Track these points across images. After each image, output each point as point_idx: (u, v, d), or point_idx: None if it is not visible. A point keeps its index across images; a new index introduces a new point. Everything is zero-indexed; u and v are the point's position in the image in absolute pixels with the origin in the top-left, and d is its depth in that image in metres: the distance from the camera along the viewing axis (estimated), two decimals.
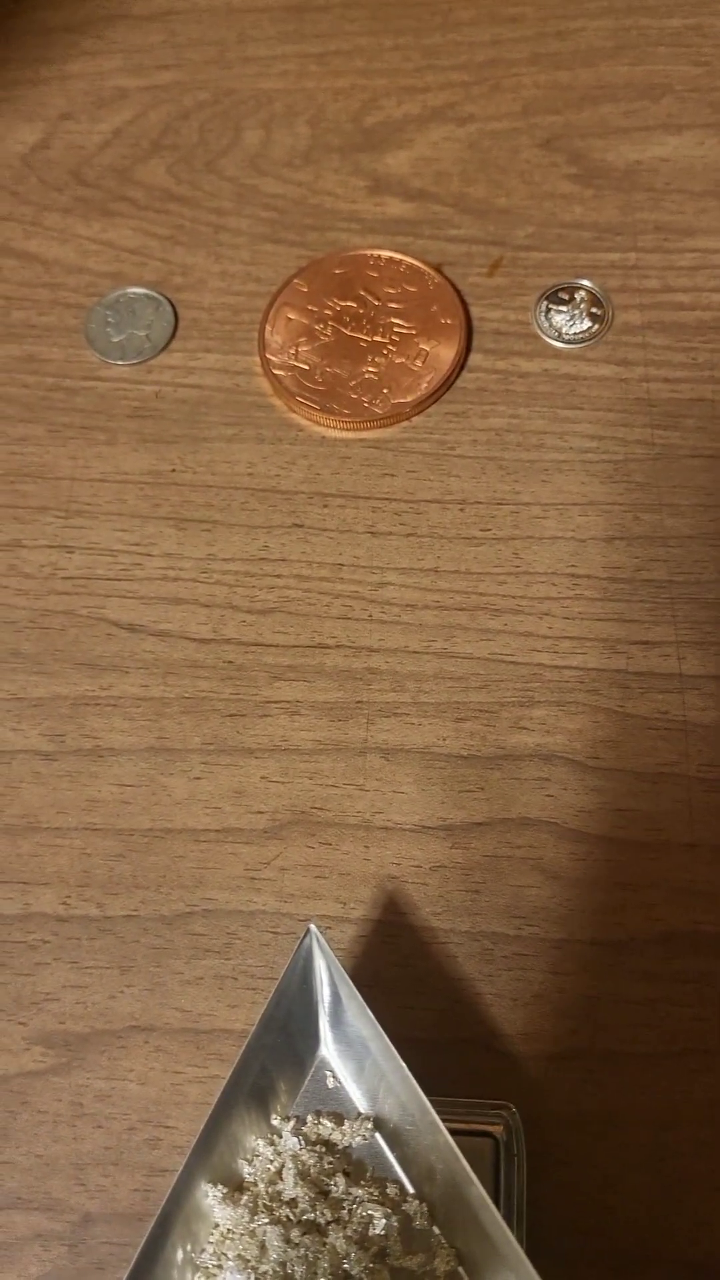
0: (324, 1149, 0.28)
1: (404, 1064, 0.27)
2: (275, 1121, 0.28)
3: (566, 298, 0.39)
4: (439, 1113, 0.27)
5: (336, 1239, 0.26)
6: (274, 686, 0.35)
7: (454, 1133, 0.27)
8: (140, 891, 0.33)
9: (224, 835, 0.33)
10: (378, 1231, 0.26)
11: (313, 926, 0.28)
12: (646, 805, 0.33)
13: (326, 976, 0.28)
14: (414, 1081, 0.26)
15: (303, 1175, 0.27)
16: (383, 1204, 0.27)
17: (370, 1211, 0.27)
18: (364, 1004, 0.27)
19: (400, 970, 0.31)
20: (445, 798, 0.33)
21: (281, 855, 0.33)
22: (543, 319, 0.39)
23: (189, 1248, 0.27)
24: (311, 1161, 0.27)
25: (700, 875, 0.32)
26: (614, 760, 0.33)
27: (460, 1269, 0.26)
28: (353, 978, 0.31)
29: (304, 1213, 0.27)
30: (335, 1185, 0.27)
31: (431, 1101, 0.27)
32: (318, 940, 0.28)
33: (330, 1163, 0.28)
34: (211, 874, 0.33)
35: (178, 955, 0.32)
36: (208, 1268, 0.26)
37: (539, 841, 0.32)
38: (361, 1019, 0.28)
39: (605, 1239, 0.28)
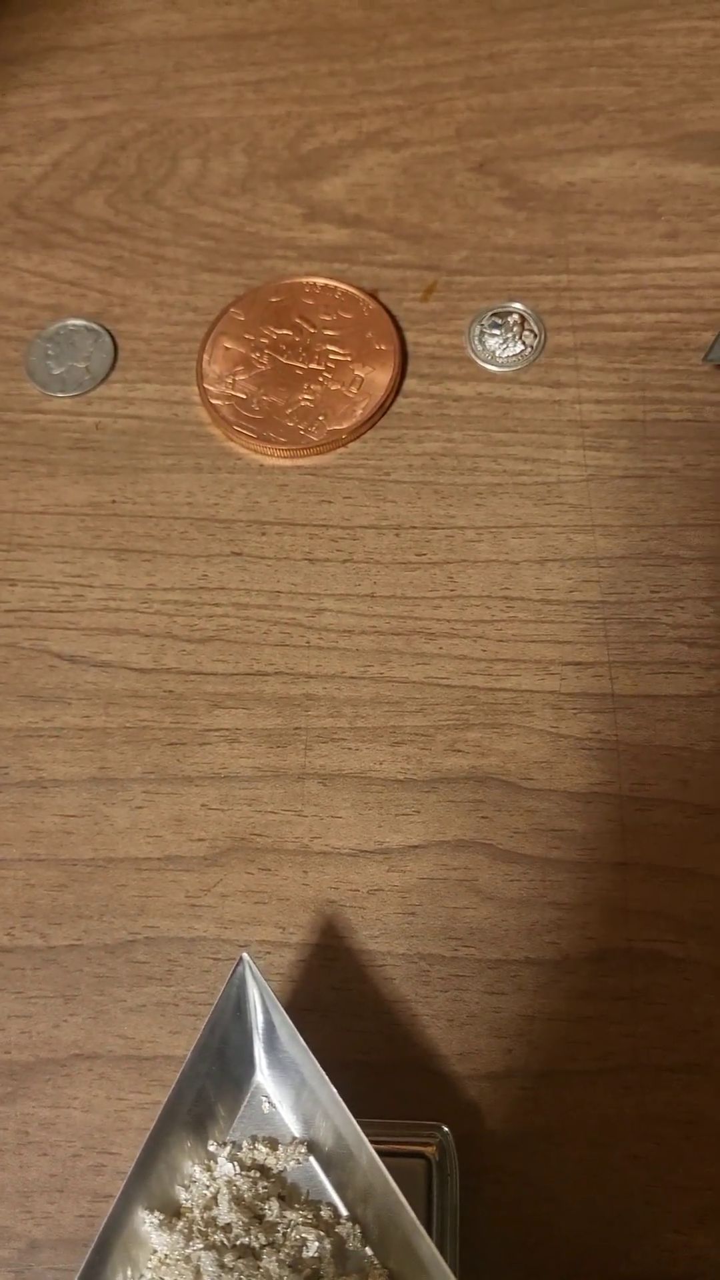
0: (259, 1174, 0.28)
1: (334, 1088, 0.27)
2: (212, 1147, 0.29)
3: (499, 321, 0.39)
4: (372, 1135, 0.28)
5: (270, 1262, 0.27)
6: (213, 714, 0.35)
7: (388, 1154, 0.27)
8: (83, 921, 0.33)
9: (165, 863, 0.34)
10: (311, 1254, 0.27)
11: (245, 955, 0.28)
12: (580, 825, 0.33)
13: (260, 1004, 0.29)
14: (344, 1105, 0.27)
15: (237, 1200, 0.28)
16: (316, 1227, 0.27)
17: (304, 1234, 0.27)
18: (295, 1030, 0.28)
19: (338, 994, 0.32)
20: (382, 821, 0.34)
21: (221, 882, 0.33)
22: (476, 343, 0.39)
23: (129, 1273, 0.27)
24: (245, 1186, 0.28)
25: (633, 894, 0.32)
26: (547, 781, 0.34)
27: None
28: (292, 1002, 0.32)
29: (238, 1237, 0.27)
30: (269, 1209, 0.28)
31: (365, 1124, 0.27)
32: (250, 968, 0.28)
33: (265, 1187, 0.28)
34: (153, 902, 0.33)
35: (120, 983, 0.32)
36: None
37: (474, 863, 0.33)
38: (294, 1045, 0.28)
39: (541, 1255, 0.29)
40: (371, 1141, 0.27)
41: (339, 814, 0.34)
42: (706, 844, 0.33)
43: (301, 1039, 0.28)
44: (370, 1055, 0.31)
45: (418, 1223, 0.25)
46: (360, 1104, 0.27)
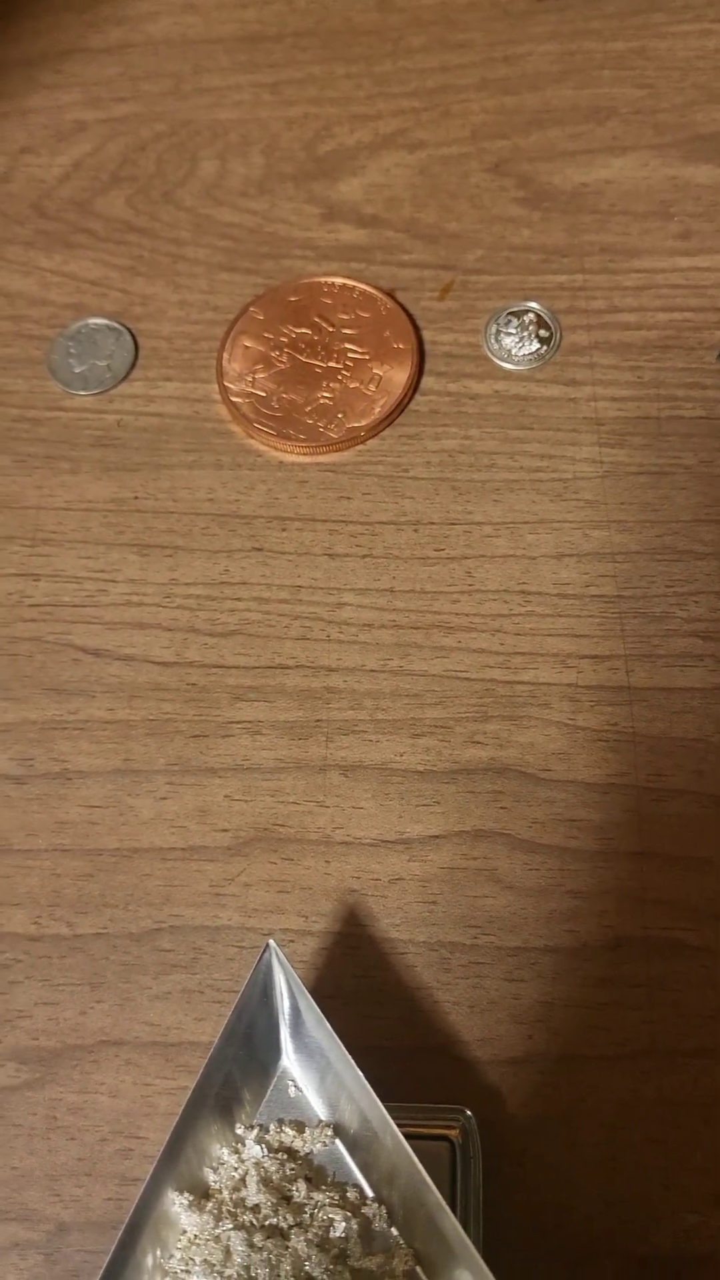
0: (286, 1156, 0.29)
1: (360, 1073, 0.28)
2: (239, 1130, 0.29)
3: (515, 320, 0.40)
4: (397, 1118, 0.29)
5: (298, 1242, 0.27)
6: (236, 707, 0.36)
7: (412, 1137, 0.28)
8: (109, 910, 0.34)
9: (189, 853, 0.34)
10: (338, 1234, 0.28)
11: (271, 942, 0.29)
12: (597, 815, 0.34)
13: (286, 990, 0.29)
14: (370, 1089, 0.27)
15: (265, 1182, 0.28)
16: (343, 1207, 0.28)
17: (331, 1215, 0.28)
18: (321, 1016, 0.28)
19: (361, 981, 0.32)
20: (402, 812, 0.34)
21: (245, 872, 0.34)
22: (493, 341, 0.40)
23: (158, 1254, 0.28)
24: (274, 1168, 0.28)
25: (649, 882, 0.33)
26: (565, 772, 0.34)
27: (418, 1268, 0.27)
28: (315, 989, 0.32)
29: (266, 1218, 0.28)
30: (297, 1191, 0.28)
31: (389, 1108, 0.28)
32: (277, 955, 0.29)
33: (292, 1169, 0.29)
34: (178, 891, 0.34)
35: (146, 971, 0.33)
36: (176, 1273, 0.27)
37: (493, 853, 0.33)
38: (320, 1030, 0.29)
39: (560, 1235, 0.30)
40: (396, 1124, 0.27)
41: (360, 805, 0.34)
42: (719, 833, 0.33)
43: (328, 1023, 0.28)
44: (392, 1041, 0.32)
45: (443, 1202, 0.26)
46: (383, 1088, 0.28)
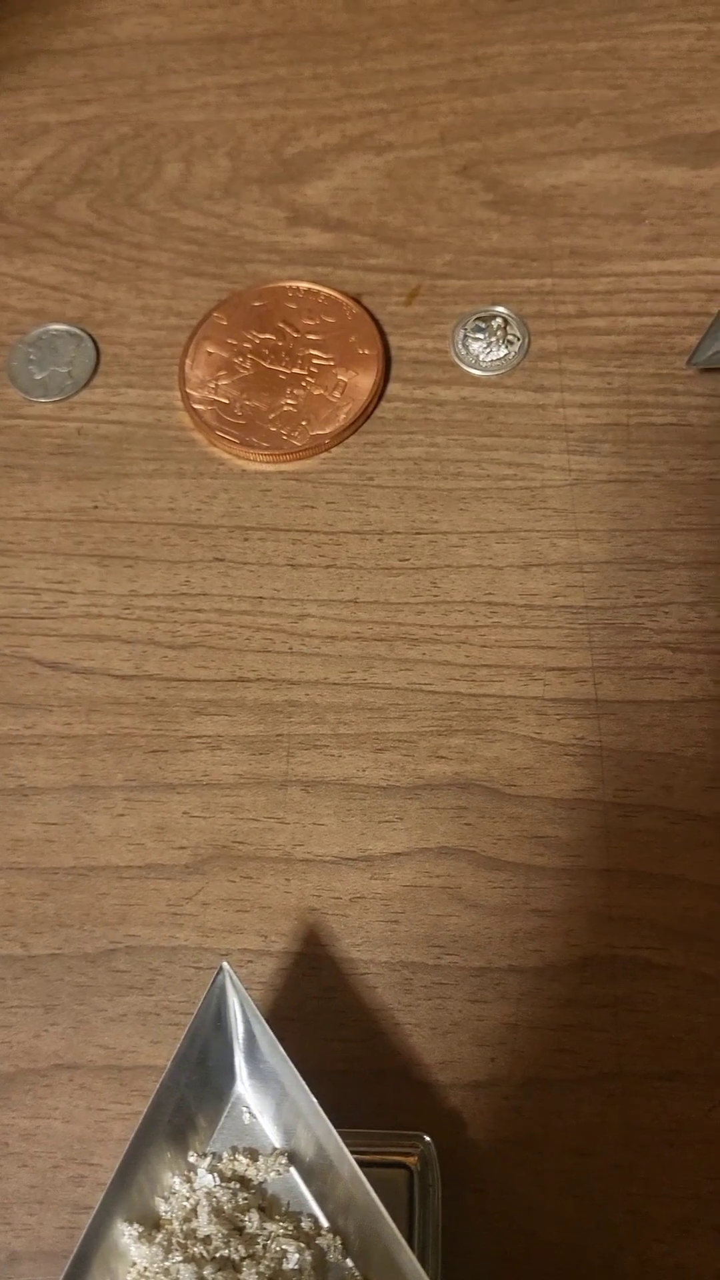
0: (239, 1185, 0.28)
1: (315, 1099, 0.27)
2: (192, 1158, 0.29)
3: (483, 325, 0.39)
4: (354, 1145, 0.28)
5: (250, 1275, 0.26)
6: (195, 721, 0.35)
7: (369, 1164, 0.27)
8: (64, 930, 0.33)
9: (146, 871, 0.33)
10: (291, 1266, 0.27)
11: (225, 964, 0.28)
12: (563, 831, 0.33)
13: (240, 1013, 0.29)
14: (324, 1116, 0.27)
15: (217, 1212, 0.27)
16: (296, 1238, 0.27)
17: (284, 1246, 0.27)
18: (275, 1040, 0.28)
19: (321, 1002, 0.32)
20: (364, 829, 0.33)
21: (203, 890, 0.33)
22: (460, 347, 0.39)
23: None
24: (225, 1198, 0.28)
25: (616, 900, 0.32)
26: (531, 787, 0.33)
27: None
28: (273, 1011, 0.32)
29: (218, 1249, 0.27)
30: (249, 1221, 0.27)
31: (346, 1134, 0.27)
32: (230, 978, 0.28)
33: (245, 1198, 0.28)
34: (134, 910, 0.33)
35: (101, 993, 0.32)
36: None
37: (457, 870, 0.33)
38: (274, 1055, 0.28)
39: (524, 1266, 0.29)
40: (352, 1152, 0.27)
41: (322, 821, 0.34)
42: (690, 850, 0.32)
43: (281, 1049, 0.27)
44: (352, 1064, 0.31)
45: (399, 1235, 0.25)
46: (342, 1113, 0.27)
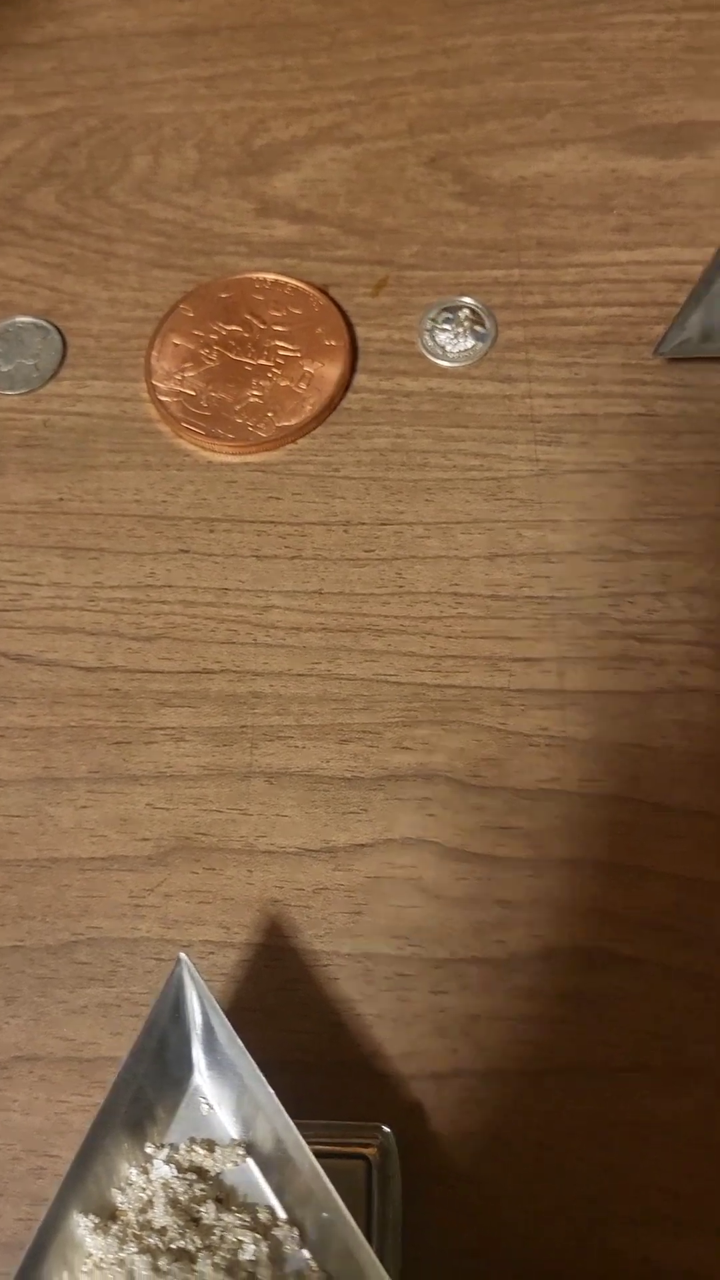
0: (195, 1176, 0.28)
1: (272, 1091, 0.27)
2: (149, 1149, 0.28)
3: (450, 316, 0.39)
4: (313, 1136, 0.28)
5: (205, 1266, 0.26)
6: (159, 713, 0.35)
7: (327, 1156, 0.27)
8: (26, 922, 0.33)
9: (109, 863, 0.33)
10: (247, 1257, 0.27)
11: (183, 955, 0.28)
12: (527, 822, 0.33)
13: (198, 1005, 0.28)
14: (282, 1109, 0.27)
15: (173, 1203, 0.27)
16: (253, 1229, 0.27)
17: (240, 1237, 0.27)
18: (233, 1032, 0.27)
19: (283, 994, 0.31)
20: (328, 820, 0.33)
21: (165, 882, 0.33)
22: (427, 338, 0.39)
23: (65, 1277, 0.27)
24: (181, 1189, 0.27)
25: (581, 891, 0.32)
26: (495, 778, 0.33)
27: None
28: (235, 1002, 0.32)
29: (173, 1240, 0.27)
30: (205, 1212, 0.27)
31: (306, 1125, 0.27)
32: (188, 968, 0.28)
33: (202, 1189, 0.28)
34: (97, 902, 0.33)
35: (62, 985, 0.32)
36: None
37: (421, 861, 0.33)
38: (231, 1047, 0.28)
39: (487, 1258, 0.29)
40: (311, 1143, 0.26)
41: (285, 813, 0.33)
42: (655, 841, 0.32)
43: (239, 1041, 0.27)
44: (314, 1056, 0.31)
45: (356, 1228, 0.25)
46: (302, 1105, 0.27)
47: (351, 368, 0.39)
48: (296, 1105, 0.27)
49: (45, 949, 0.32)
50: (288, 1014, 0.31)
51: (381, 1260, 0.25)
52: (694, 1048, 0.30)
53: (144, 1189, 0.28)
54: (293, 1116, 0.27)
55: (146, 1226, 0.27)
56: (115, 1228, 0.27)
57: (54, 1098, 0.31)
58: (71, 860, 0.33)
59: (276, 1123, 0.27)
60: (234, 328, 0.40)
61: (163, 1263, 0.26)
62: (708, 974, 0.31)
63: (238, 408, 0.38)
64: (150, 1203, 0.27)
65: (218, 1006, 0.28)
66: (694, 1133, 0.29)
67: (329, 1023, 0.31)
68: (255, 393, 0.39)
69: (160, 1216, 0.27)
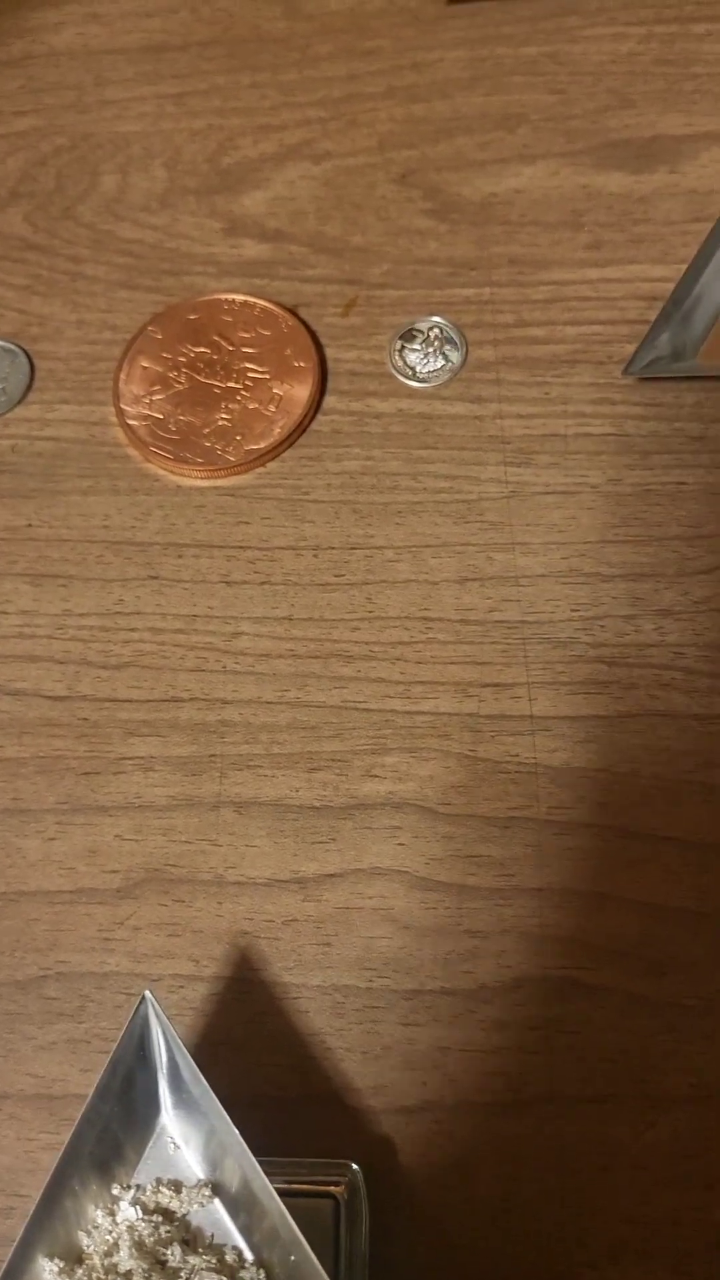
0: (161, 1218, 0.28)
1: (237, 1131, 0.26)
2: (115, 1191, 0.28)
3: (420, 336, 0.39)
4: (280, 1174, 0.28)
5: None
6: (128, 743, 0.35)
7: (295, 1194, 0.27)
8: None
9: (78, 896, 0.33)
10: None
11: (147, 993, 0.28)
12: (497, 850, 0.33)
13: (163, 1043, 0.28)
14: (248, 1150, 0.26)
15: (138, 1246, 0.27)
16: (220, 1272, 0.27)
17: None
18: (198, 1071, 0.27)
19: (252, 1027, 0.31)
20: (297, 850, 0.33)
21: (135, 915, 0.33)
22: (397, 358, 0.39)
23: None
24: (147, 1232, 0.27)
25: (549, 920, 0.32)
26: (465, 806, 0.33)
27: None
28: (204, 1036, 0.31)
29: None
30: (171, 1255, 0.27)
31: (273, 1163, 0.27)
32: (153, 1006, 0.28)
33: (168, 1231, 0.27)
34: (65, 936, 0.33)
35: (31, 1020, 0.32)
36: None
37: (390, 891, 0.32)
38: (196, 1086, 0.28)
39: None
40: (279, 1181, 0.26)
41: (254, 843, 0.33)
42: (623, 868, 0.32)
43: (204, 1080, 0.27)
44: (283, 1090, 0.31)
45: (322, 1272, 0.25)
46: (271, 1141, 0.27)
47: (321, 389, 0.39)
48: (264, 1141, 0.27)
49: (13, 984, 0.32)
50: (257, 1048, 0.31)
51: None
52: (661, 1078, 0.30)
53: (110, 1231, 0.28)
54: (260, 1154, 0.26)
55: (112, 1270, 0.27)
56: (80, 1272, 0.27)
57: (23, 1135, 0.31)
58: (39, 893, 0.33)
59: (243, 1163, 0.27)
60: (202, 350, 0.39)
61: None
62: (674, 1002, 0.31)
63: (206, 431, 0.38)
64: (116, 1245, 0.27)
65: (182, 1045, 0.28)
66: (662, 1163, 0.29)
67: (298, 1056, 0.31)
68: (224, 416, 0.38)
69: (126, 1260, 0.27)
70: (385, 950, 0.32)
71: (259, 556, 0.37)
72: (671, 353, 0.37)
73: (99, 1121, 0.28)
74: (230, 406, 0.38)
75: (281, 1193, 0.26)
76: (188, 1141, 0.29)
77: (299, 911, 0.32)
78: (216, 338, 0.40)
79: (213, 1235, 0.28)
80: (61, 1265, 0.27)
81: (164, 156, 0.43)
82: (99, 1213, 0.28)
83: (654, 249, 0.40)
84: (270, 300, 0.40)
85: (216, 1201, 0.28)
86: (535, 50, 0.44)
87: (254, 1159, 0.26)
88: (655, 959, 0.31)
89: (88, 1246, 0.28)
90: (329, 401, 0.39)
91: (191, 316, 0.40)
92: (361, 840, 0.33)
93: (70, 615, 0.36)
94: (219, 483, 0.38)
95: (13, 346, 0.40)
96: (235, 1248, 0.28)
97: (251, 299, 0.40)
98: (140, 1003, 0.28)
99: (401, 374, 0.39)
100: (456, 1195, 0.29)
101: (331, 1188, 0.29)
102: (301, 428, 0.38)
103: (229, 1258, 0.27)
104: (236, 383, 0.39)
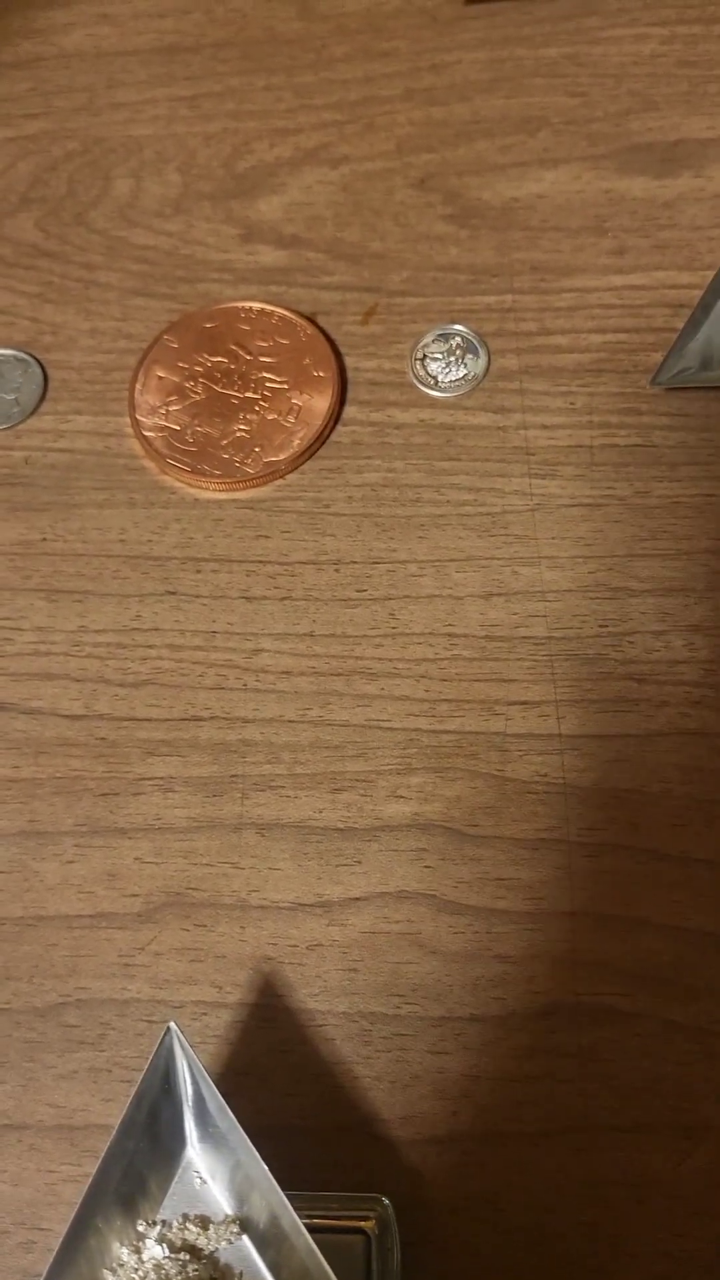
0: (189, 1255, 0.27)
1: (265, 1166, 0.26)
2: (141, 1227, 0.28)
3: (442, 344, 0.38)
4: (309, 1208, 0.27)
5: None
6: (147, 763, 0.34)
7: (325, 1230, 0.26)
8: (11, 983, 0.32)
9: (97, 921, 0.32)
10: None
11: (173, 1024, 0.27)
12: (526, 873, 0.32)
13: (189, 1075, 0.28)
14: (274, 1182, 0.26)
15: None
16: None
17: None
18: (224, 1105, 0.27)
19: (277, 1056, 0.31)
20: (322, 873, 0.32)
21: (156, 940, 0.32)
22: (418, 367, 0.38)
23: None
24: (174, 1270, 0.27)
25: (581, 944, 0.31)
26: (493, 827, 0.32)
27: None
28: (228, 1065, 0.31)
29: None
30: None
31: (302, 1196, 0.26)
32: (178, 1038, 0.27)
33: (195, 1270, 0.27)
34: (85, 962, 0.32)
35: (51, 1049, 0.31)
36: None
37: (417, 915, 0.32)
38: (223, 1120, 0.27)
39: None
40: (308, 1216, 0.26)
41: (277, 865, 0.33)
42: (656, 890, 0.31)
43: (231, 1114, 0.27)
44: (309, 1120, 0.30)
45: None
46: (298, 1173, 0.26)
47: (340, 399, 0.38)
48: (292, 1174, 0.26)
49: (32, 1011, 0.31)
50: (282, 1078, 0.30)
51: None
52: (696, 1106, 0.29)
53: (136, 1270, 0.27)
54: (288, 1187, 0.26)
55: None
56: None
57: (43, 1168, 0.30)
58: (58, 918, 0.32)
59: (271, 1199, 0.26)
60: (219, 359, 0.39)
61: None
62: (710, 1029, 0.30)
63: (224, 443, 0.37)
64: None
65: (208, 1077, 0.27)
66: (697, 1194, 0.29)
67: (325, 1086, 0.30)
68: (242, 427, 0.38)
69: None
70: (413, 976, 0.31)
71: (279, 571, 0.36)
72: (700, 362, 0.36)
73: (124, 1157, 0.27)
74: (248, 417, 0.38)
75: (311, 1228, 0.25)
76: (214, 1176, 0.28)
77: (324, 936, 0.32)
78: (234, 347, 0.39)
79: (241, 1273, 0.27)
80: None
81: (178, 161, 0.43)
82: (124, 1250, 0.27)
83: (680, 255, 0.39)
84: (288, 308, 0.39)
85: (244, 1238, 0.28)
86: (555, 52, 0.43)
87: (282, 1194, 0.26)
88: (690, 984, 0.30)
89: None
90: (349, 412, 0.38)
91: (208, 325, 0.39)
92: (387, 863, 0.32)
93: (86, 632, 0.36)
94: (237, 495, 0.37)
95: (26, 356, 0.39)
96: None
97: (269, 307, 0.39)
98: (165, 1034, 0.27)
99: (423, 383, 0.38)
100: (488, 1227, 0.29)
101: (362, 1223, 0.28)
102: (321, 439, 0.37)
103: None
104: (254, 393, 0.38)
